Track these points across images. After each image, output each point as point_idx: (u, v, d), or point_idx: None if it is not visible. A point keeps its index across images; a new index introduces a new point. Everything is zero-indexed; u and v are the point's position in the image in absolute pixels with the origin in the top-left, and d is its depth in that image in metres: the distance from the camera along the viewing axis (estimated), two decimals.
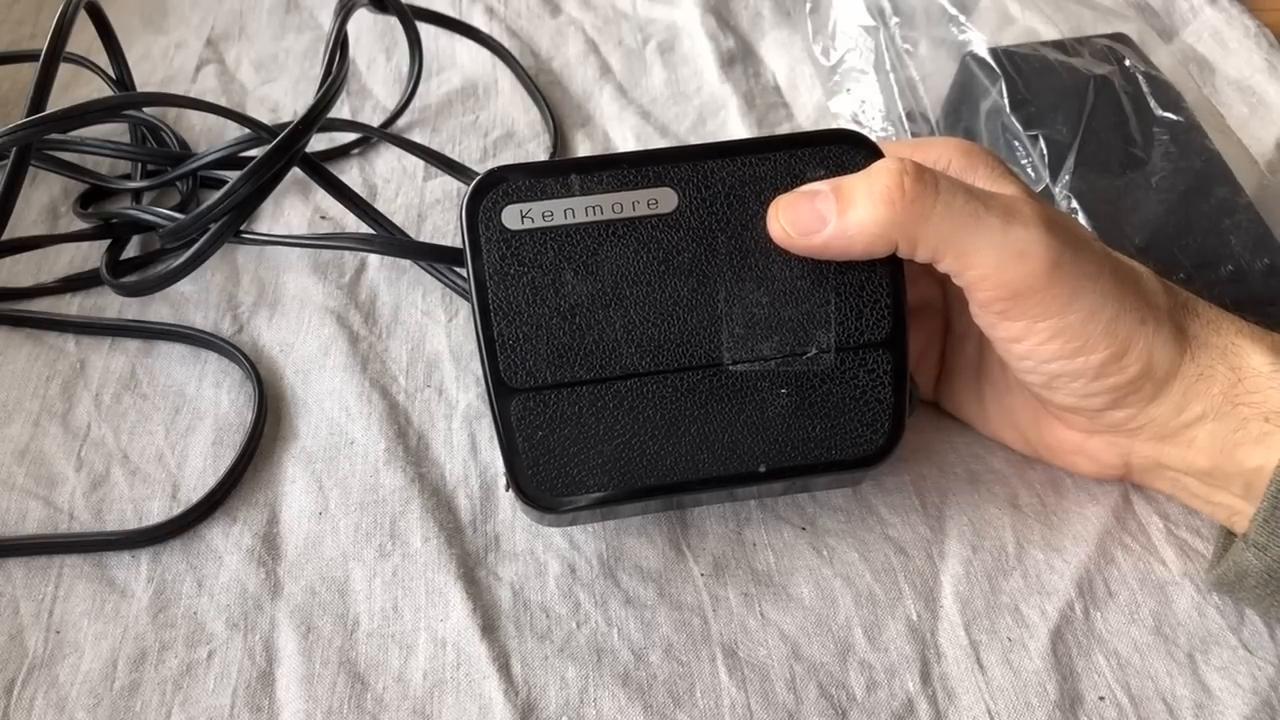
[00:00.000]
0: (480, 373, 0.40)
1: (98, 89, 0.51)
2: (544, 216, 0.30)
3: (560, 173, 0.31)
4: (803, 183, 0.31)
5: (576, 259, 0.31)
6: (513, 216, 0.30)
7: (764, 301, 0.31)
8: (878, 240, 0.29)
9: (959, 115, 0.47)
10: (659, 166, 0.31)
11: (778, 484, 0.32)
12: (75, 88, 0.53)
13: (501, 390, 0.31)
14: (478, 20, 0.57)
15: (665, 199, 0.31)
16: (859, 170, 0.30)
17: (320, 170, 0.42)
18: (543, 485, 0.31)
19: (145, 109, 0.48)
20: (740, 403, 0.31)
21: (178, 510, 0.36)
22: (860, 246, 0.30)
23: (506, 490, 0.31)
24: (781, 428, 0.31)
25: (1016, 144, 0.43)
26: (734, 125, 0.51)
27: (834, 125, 0.51)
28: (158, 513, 0.36)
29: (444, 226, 0.47)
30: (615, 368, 0.31)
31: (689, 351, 0.31)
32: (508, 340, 0.30)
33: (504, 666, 0.32)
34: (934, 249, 0.29)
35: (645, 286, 0.31)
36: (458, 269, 0.42)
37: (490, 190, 0.30)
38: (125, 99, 0.46)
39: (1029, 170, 0.42)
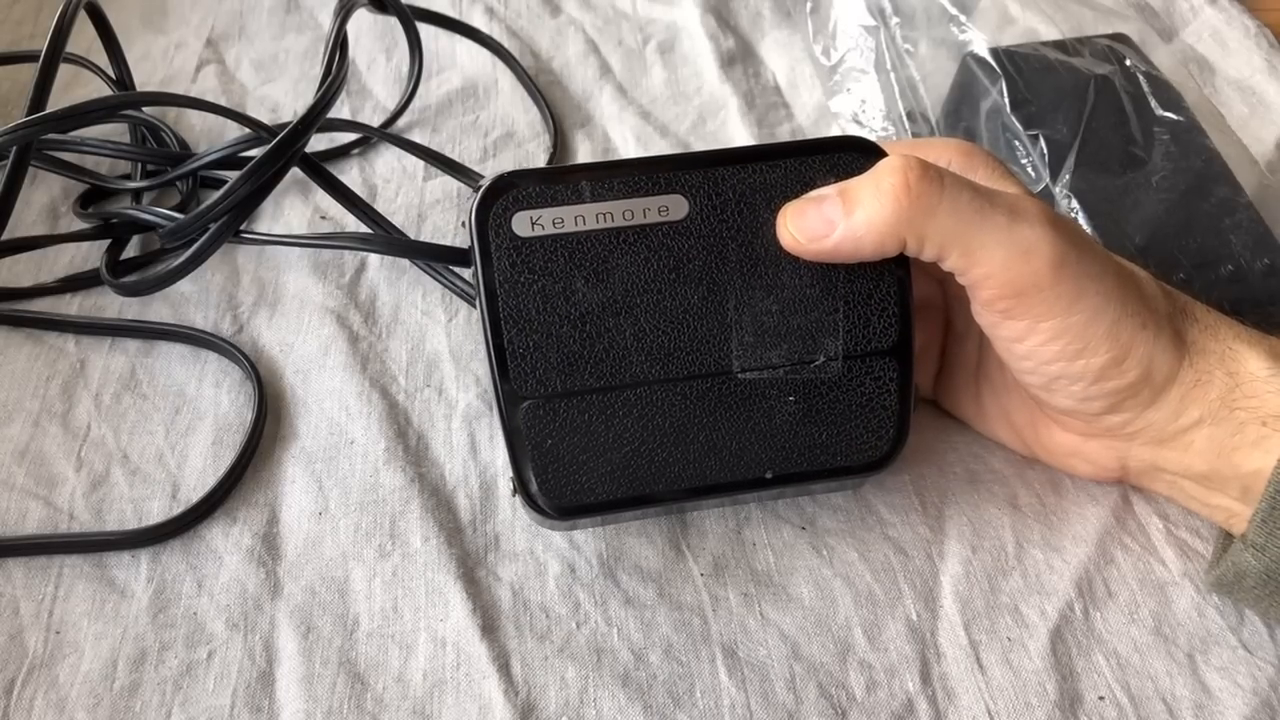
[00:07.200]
0: (481, 373, 0.40)
1: (98, 89, 0.51)
2: (554, 223, 0.30)
3: (571, 178, 0.30)
4: (811, 189, 0.31)
5: (587, 266, 0.30)
6: (523, 223, 0.30)
7: (773, 310, 0.31)
8: (886, 238, 0.29)
9: (959, 115, 0.47)
10: (670, 173, 0.30)
11: (781, 489, 0.32)
12: (75, 88, 0.53)
13: (511, 398, 0.30)
14: (478, 20, 0.57)
15: (676, 206, 0.30)
16: None
17: (320, 170, 0.42)
18: (552, 492, 0.31)
19: (145, 109, 0.48)
20: (748, 410, 0.31)
21: (178, 510, 0.36)
22: (870, 246, 0.30)
23: (512, 496, 0.31)
24: (788, 435, 0.31)
25: (1017, 144, 0.43)
26: (734, 125, 0.51)
27: (834, 125, 0.51)
28: (158, 513, 0.36)
29: (444, 226, 0.47)
30: (625, 376, 0.31)
31: (698, 359, 0.31)
32: (518, 348, 0.30)
33: (504, 666, 0.32)
34: (940, 245, 0.29)
35: (655, 294, 0.31)
36: (457, 269, 0.42)
37: (500, 196, 0.30)
38: (125, 99, 0.46)
39: (1029, 170, 0.42)
